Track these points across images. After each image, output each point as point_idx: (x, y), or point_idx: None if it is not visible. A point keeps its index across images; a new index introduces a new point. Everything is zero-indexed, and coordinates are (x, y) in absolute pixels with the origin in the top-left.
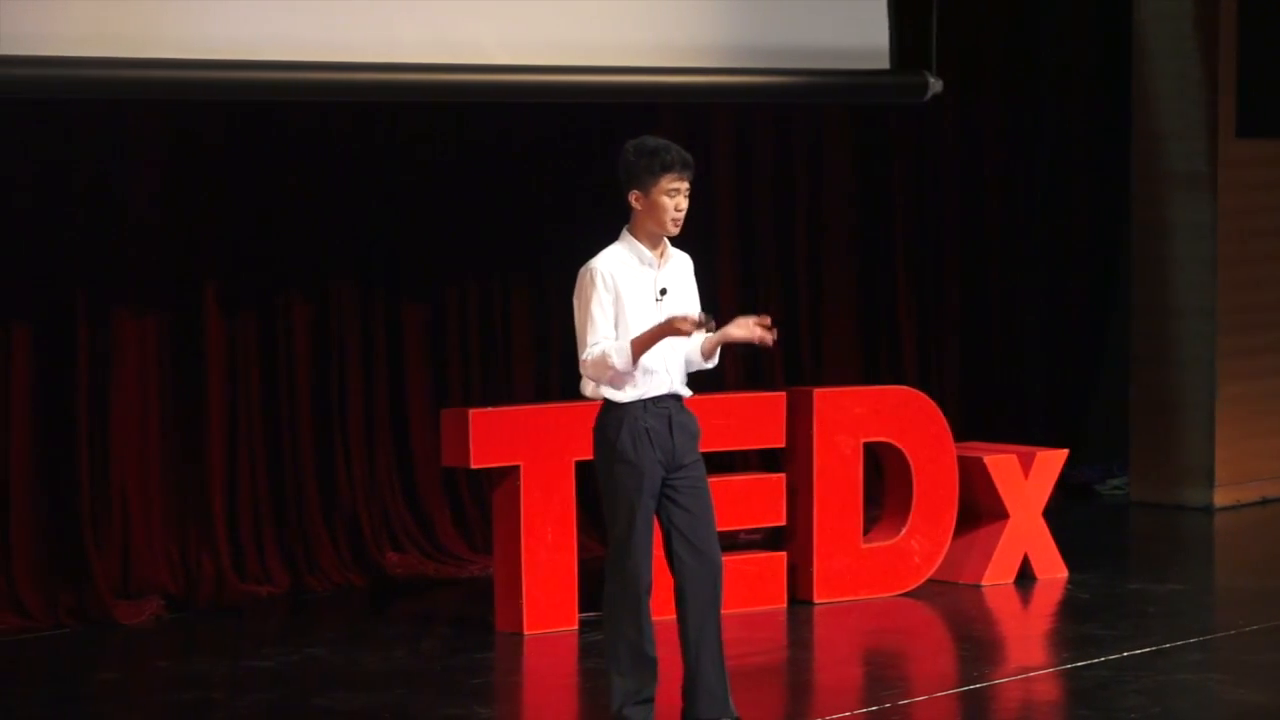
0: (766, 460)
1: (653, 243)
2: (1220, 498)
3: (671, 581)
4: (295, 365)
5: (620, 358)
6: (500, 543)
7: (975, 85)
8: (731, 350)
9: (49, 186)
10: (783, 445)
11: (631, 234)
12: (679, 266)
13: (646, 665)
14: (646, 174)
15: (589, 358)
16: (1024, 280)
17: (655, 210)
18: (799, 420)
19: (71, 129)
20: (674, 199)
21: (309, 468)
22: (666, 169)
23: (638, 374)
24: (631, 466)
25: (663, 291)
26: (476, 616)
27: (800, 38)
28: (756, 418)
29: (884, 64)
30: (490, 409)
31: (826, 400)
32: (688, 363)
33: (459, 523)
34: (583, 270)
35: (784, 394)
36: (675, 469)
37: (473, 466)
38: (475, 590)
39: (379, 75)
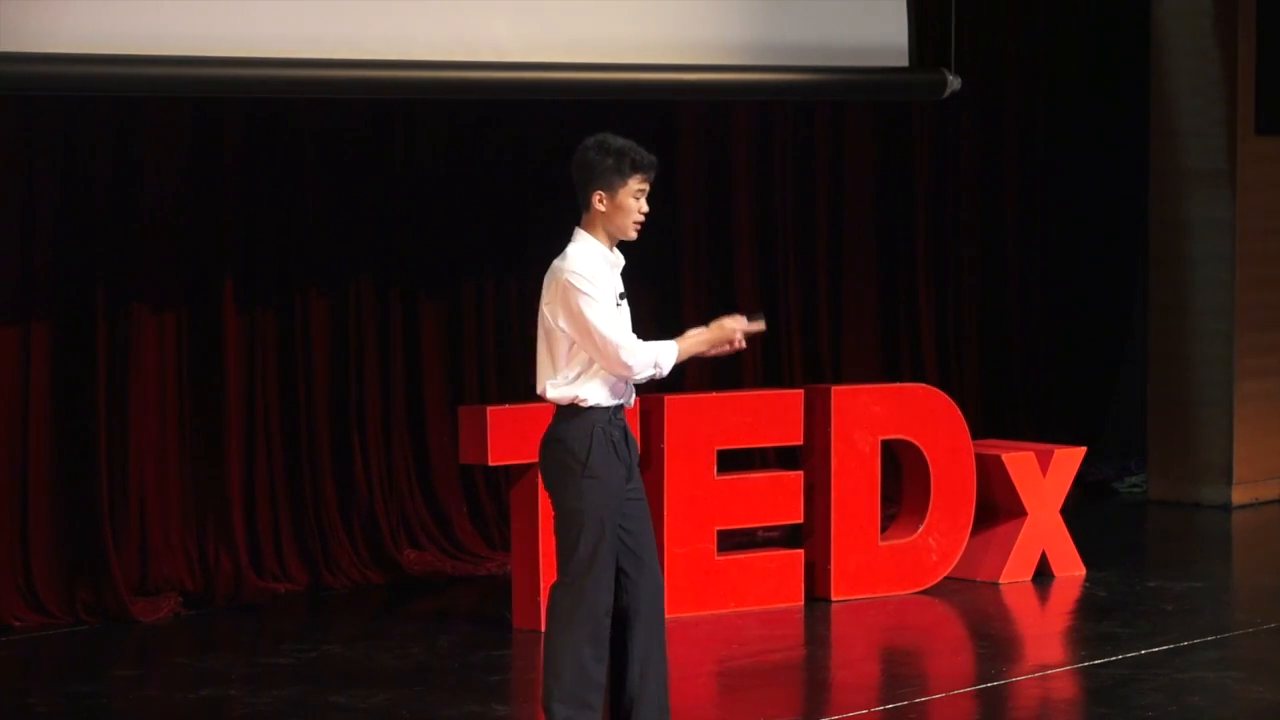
0: (784, 458)
1: (610, 244)
2: (1238, 495)
3: None
4: (313, 363)
5: (667, 360)
6: (518, 540)
7: (994, 83)
8: (751, 348)
9: (69, 184)
10: (800, 443)
11: (590, 234)
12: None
13: (596, 693)
14: (615, 174)
15: (644, 357)
16: (1043, 278)
17: (620, 212)
18: (817, 418)
19: (91, 126)
20: (639, 201)
21: (327, 465)
22: (637, 169)
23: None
24: (602, 482)
25: (621, 295)
26: (494, 613)
27: (820, 36)
28: (774, 415)
29: (903, 62)
30: (507, 406)
31: (844, 398)
32: None
33: (476, 520)
34: (566, 276)
35: (802, 391)
36: (627, 483)
37: (490, 464)
38: (493, 587)
39: (395, 73)
